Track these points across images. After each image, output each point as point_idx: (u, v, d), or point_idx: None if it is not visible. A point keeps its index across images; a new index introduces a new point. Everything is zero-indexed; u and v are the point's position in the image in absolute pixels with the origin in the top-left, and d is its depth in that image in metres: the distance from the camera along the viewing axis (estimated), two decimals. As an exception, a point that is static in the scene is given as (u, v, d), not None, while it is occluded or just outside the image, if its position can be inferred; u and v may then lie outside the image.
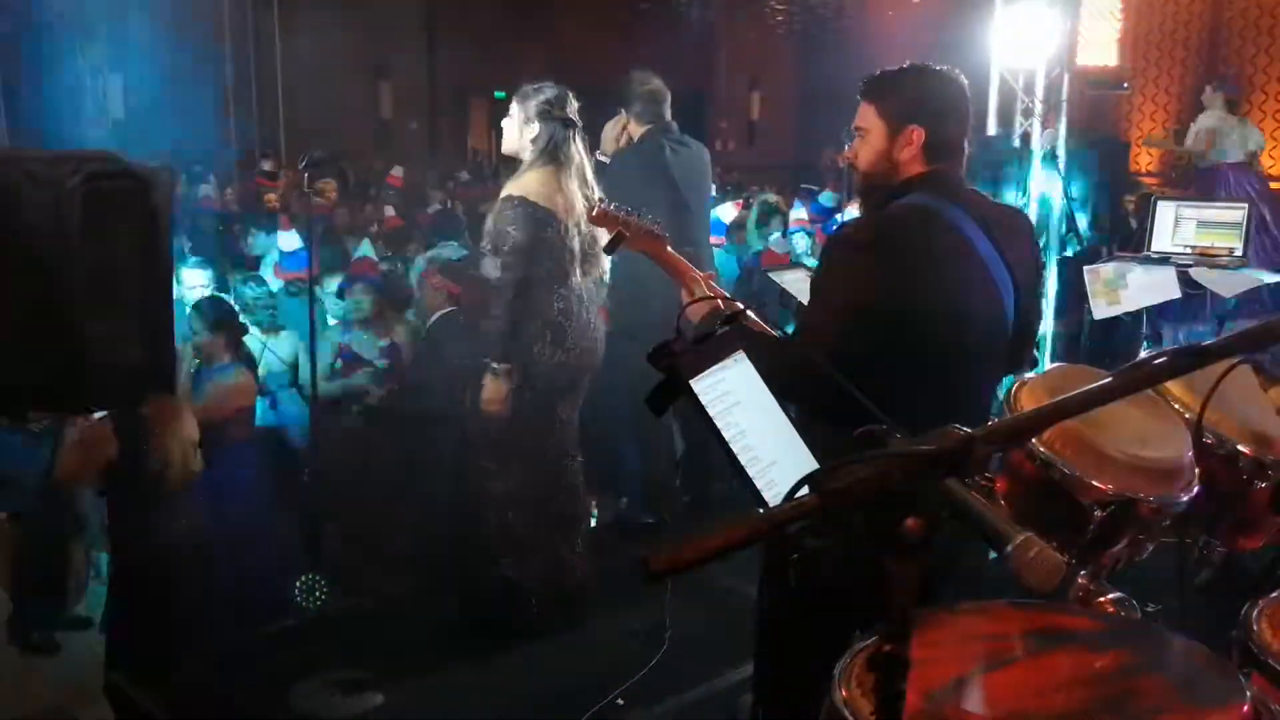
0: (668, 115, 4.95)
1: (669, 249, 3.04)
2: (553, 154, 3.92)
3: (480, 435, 4.00)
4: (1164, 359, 1.17)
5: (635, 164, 4.86)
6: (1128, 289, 4.70)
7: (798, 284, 3.49)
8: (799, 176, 12.64)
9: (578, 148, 3.97)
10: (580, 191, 3.93)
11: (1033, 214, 5.98)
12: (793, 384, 2.11)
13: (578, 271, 3.96)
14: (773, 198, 7.78)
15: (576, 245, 3.90)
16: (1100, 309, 4.87)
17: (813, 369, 2.16)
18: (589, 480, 4.47)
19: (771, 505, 1.65)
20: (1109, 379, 1.16)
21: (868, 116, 2.58)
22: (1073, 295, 5.70)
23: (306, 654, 3.98)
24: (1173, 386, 1.95)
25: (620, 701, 3.76)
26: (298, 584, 4.24)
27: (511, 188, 3.94)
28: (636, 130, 4.93)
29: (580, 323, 3.98)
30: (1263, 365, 1.81)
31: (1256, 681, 1.52)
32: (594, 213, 3.08)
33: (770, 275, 3.87)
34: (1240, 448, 1.83)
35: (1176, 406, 1.89)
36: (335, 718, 3.71)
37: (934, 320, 2.37)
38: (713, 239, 5.64)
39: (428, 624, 4.15)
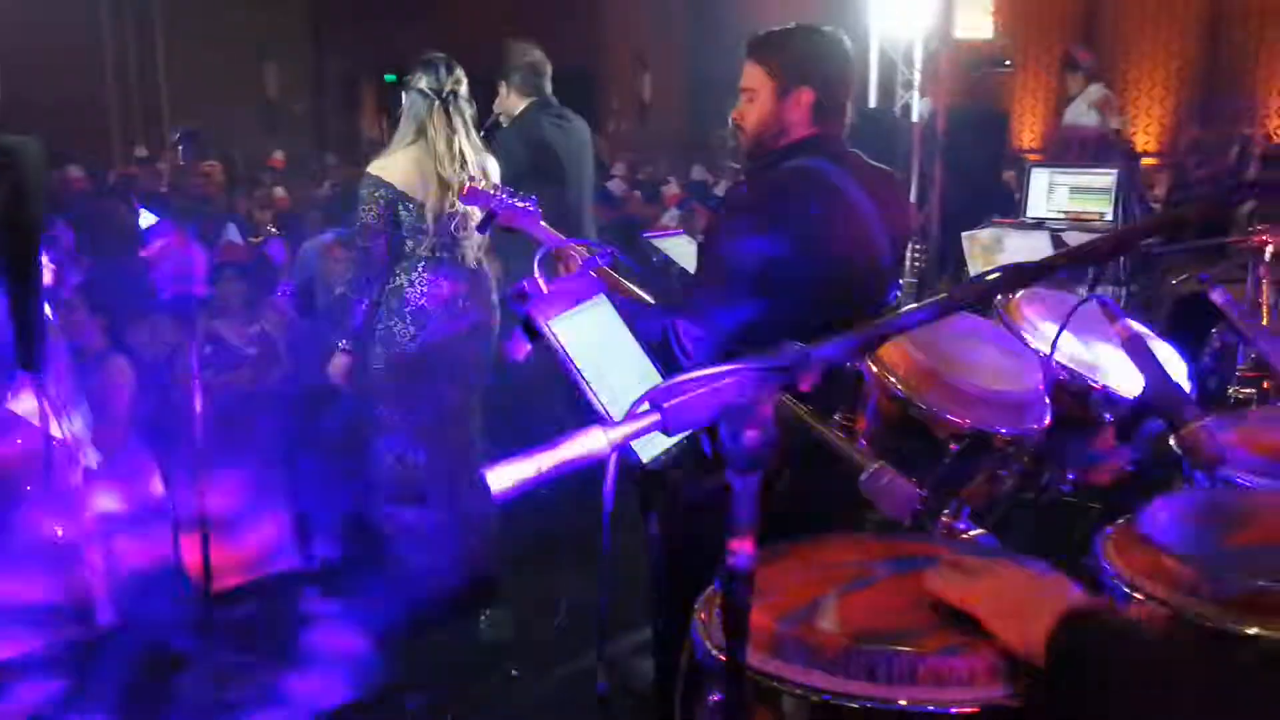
0: (548, 89, 4.88)
1: (542, 224, 3.03)
2: (418, 129, 3.85)
3: (355, 415, 3.98)
4: (996, 274, 1.21)
5: (516, 138, 4.80)
6: (1004, 253, 4.81)
7: (678, 249, 3.51)
8: (692, 155, 12.71)
9: (448, 121, 3.86)
10: (450, 169, 3.83)
11: (913, 185, 6.12)
12: (671, 347, 2.12)
13: (448, 255, 3.89)
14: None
15: (432, 225, 3.83)
16: (978, 268, 4.98)
17: (690, 330, 2.19)
18: (494, 455, 4.43)
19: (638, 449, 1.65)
20: (941, 294, 1.19)
21: (756, 77, 2.55)
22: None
23: (198, 639, 3.90)
24: (1024, 323, 2.00)
25: (515, 672, 3.77)
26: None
27: (371, 165, 3.89)
28: (517, 103, 4.85)
29: (454, 309, 3.92)
30: (1108, 302, 1.86)
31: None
32: (464, 191, 3.06)
33: (652, 241, 3.89)
34: (1091, 382, 1.90)
35: (1031, 342, 1.95)
36: (224, 700, 3.65)
37: (822, 282, 2.41)
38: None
39: (320, 603, 4.09)
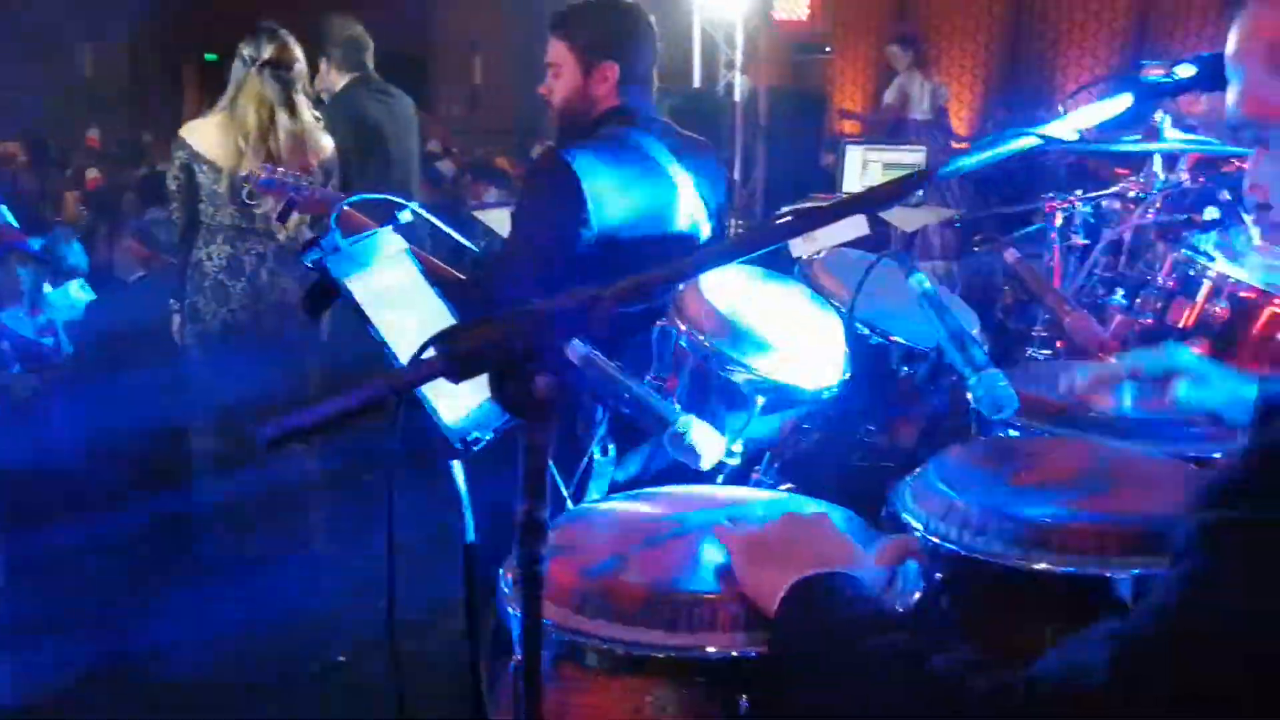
0: (370, 65, 4.82)
1: (346, 208, 2.95)
2: (232, 96, 3.79)
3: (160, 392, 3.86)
4: (787, 217, 1.22)
5: (337, 115, 4.69)
6: (822, 229, 4.89)
7: (503, 222, 3.50)
8: (524, 139, 12.61)
9: (260, 90, 3.76)
10: (252, 138, 3.72)
11: (736, 164, 6.22)
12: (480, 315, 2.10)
13: (251, 225, 3.78)
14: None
15: (226, 193, 3.72)
16: (798, 248, 5.07)
17: (500, 301, 2.17)
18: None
19: (436, 410, 1.62)
20: (735, 238, 1.20)
21: (559, 52, 2.60)
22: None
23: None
24: (826, 281, 2.05)
25: (342, 657, 3.69)
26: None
27: (182, 129, 3.81)
28: (338, 79, 4.77)
29: (259, 284, 3.80)
30: (902, 259, 1.92)
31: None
32: (258, 179, 3.00)
33: (475, 214, 3.84)
34: (892, 337, 1.95)
35: (833, 301, 2.00)
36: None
37: (633, 248, 2.42)
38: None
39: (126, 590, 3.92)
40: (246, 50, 3.77)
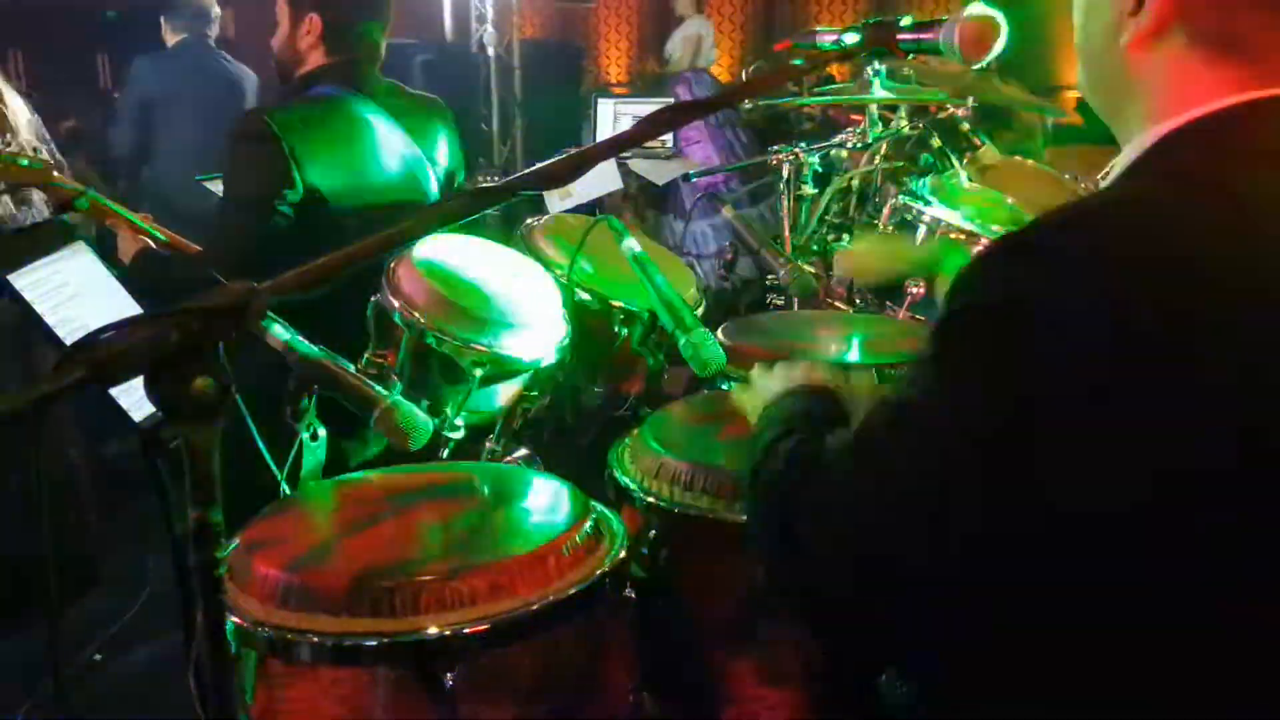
0: (208, 31, 4.79)
1: (56, 174, 2.76)
2: None
3: None
4: (459, 198, 1.21)
5: (131, 73, 4.69)
6: (577, 182, 4.89)
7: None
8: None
9: None
10: None
11: (494, 120, 6.14)
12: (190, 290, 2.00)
13: None
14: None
15: None
16: (555, 204, 5.09)
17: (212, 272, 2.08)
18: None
19: (129, 409, 1.55)
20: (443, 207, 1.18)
21: (279, 3, 2.51)
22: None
23: None
24: (545, 247, 2.06)
25: (98, 656, 3.52)
26: None
27: None
28: (170, 38, 4.78)
29: None
30: (615, 223, 1.94)
31: (625, 511, 1.64)
32: None
33: (203, 183, 3.63)
34: (611, 301, 1.98)
35: (553, 268, 2.00)
36: None
37: (345, 211, 2.35)
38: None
39: None
40: None
